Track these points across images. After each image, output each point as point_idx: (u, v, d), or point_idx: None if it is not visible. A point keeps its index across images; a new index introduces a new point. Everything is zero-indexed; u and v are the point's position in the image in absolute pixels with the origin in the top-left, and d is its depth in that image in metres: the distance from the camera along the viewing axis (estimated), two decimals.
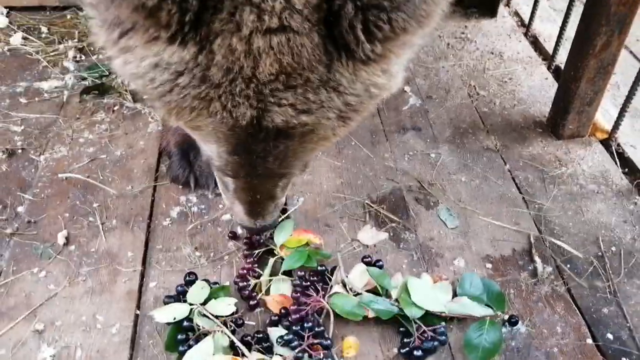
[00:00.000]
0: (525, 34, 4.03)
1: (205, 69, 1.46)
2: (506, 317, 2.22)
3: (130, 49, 1.50)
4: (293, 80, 1.50)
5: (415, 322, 2.15)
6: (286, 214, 2.56)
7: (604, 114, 3.19)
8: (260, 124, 1.56)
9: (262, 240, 2.41)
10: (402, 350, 2.10)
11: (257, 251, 2.38)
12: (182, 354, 2.00)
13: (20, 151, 2.87)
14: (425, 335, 2.11)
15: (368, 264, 2.34)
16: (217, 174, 2.05)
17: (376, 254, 2.46)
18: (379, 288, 2.24)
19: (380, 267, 2.34)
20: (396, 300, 2.22)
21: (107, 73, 3.41)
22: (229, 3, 1.38)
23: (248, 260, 2.33)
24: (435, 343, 2.09)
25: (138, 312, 2.21)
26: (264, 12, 1.38)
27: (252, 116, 1.54)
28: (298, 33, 1.43)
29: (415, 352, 2.08)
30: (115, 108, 3.17)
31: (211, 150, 1.78)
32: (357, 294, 2.22)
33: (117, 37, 1.51)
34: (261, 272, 2.30)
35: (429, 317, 2.18)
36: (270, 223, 2.13)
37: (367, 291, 2.25)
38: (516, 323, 2.20)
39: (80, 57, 3.58)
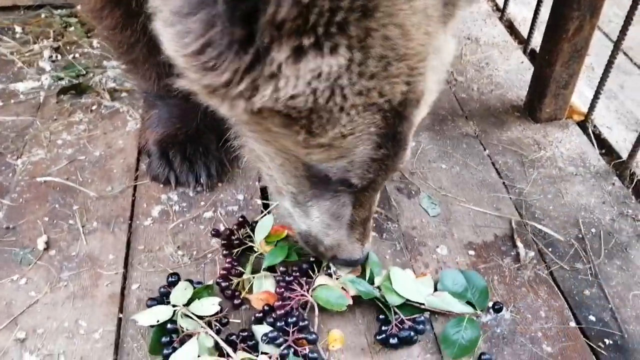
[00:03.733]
0: (501, 19, 4.03)
1: (361, 64, 1.53)
2: (490, 304, 2.24)
3: (275, 74, 1.50)
4: (428, 48, 1.62)
5: (396, 313, 2.16)
6: (268, 210, 2.56)
7: (580, 96, 3.22)
8: (407, 99, 1.66)
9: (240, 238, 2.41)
10: (378, 337, 2.12)
11: (236, 250, 2.37)
12: (167, 357, 1.99)
13: None
14: (404, 324, 2.12)
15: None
16: (329, 202, 1.99)
17: None
18: (366, 273, 2.27)
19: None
20: (378, 287, 2.23)
21: (84, 72, 3.38)
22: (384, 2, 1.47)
23: (228, 260, 2.32)
24: (412, 333, 2.10)
25: (121, 315, 2.19)
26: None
27: (404, 92, 1.63)
28: (432, 6, 1.60)
29: (391, 340, 2.09)
30: (94, 107, 3.14)
31: (354, 157, 1.75)
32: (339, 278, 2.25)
33: (250, 61, 1.48)
34: (243, 270, 2.29)
35: (409, 308, 2.20)
36: (369, 248, 2.21)
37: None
38: (500, 310, 2.22)
39: (57, 56, 3.55)
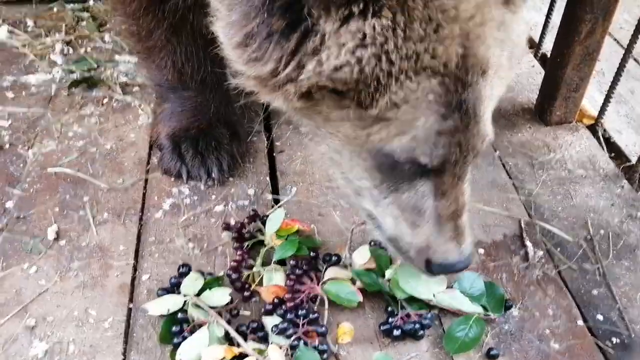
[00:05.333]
0: None
1: (405, 27, 1.49)
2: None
3: (317, 48, 1.51)
4: (485, 15, 1.56)
5: (403, 307, 2.17)
6: (279, 204, 2.57)
7: (590, 100, 3.22)
8: (466, 63, 1.57)
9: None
10: (383, 327, 2.13)
11: (247, 243, 2.38)
12: (177, 346, 2.00)
13: (7, 146, 2.85)
14: (410, 318, 2.13)
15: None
16: (406, 195, 1.81)
17: None
18: (377, 267, 2.27)
19: None
20: (388, 280, 2.24)
21: (96, 66, 3.40)
22: None
23: (239, 253, 2.32)
24: (417, 326, 2.10)
25: (131, 305, 2.20)
26: None
27: (460, 54, 1.55)
28: None
29: (394, 332, 2.10)
30: (105, 101, 3.16)
31: (416, 132, 1.63)
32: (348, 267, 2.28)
33: (295, 45, 1.51)
34: (253, 262, 2.30)
35: (419, 304, 2.20)
36: (471, 249, 1.92)
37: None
38: (510, 307, 2.22)
39: (68, 50, 3.56)
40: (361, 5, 1.45)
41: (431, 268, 1.90)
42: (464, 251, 1.87)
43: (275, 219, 2.39)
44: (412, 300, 2.20)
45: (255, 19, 1.50)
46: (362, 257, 2.30)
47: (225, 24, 1.60)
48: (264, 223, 2.42)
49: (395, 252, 2.01)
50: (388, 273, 2.26)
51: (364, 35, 1.49)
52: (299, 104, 1.64)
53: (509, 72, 1.74)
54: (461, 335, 2.11)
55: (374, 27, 1.48)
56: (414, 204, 1.81)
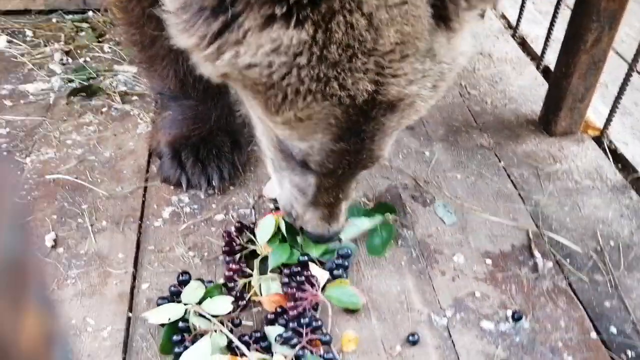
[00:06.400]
0: (513, 36, 4.03)
1: (323, 47, 1.47)
2: (509, 312, 2.18)
3: (239, 41, 1.51)
4: (407, 49, 1.54)
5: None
6: (272, 210, 2.54)
7: (594, 112, 3.19)
8: (374, 100, 1.58)
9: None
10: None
11: (238, 255, 2.31)
12: (178, 355, 1.93)
13: (5, 154, 2.79)
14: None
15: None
16: (297, 177, 2.02)
17: None
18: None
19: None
20: (301, 245, 2.31)
21: (95, 75, 3.35)
22: None
23: (230, 266, 2.23)
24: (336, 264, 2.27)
25: (130, 314, 2.13)
26: None
27: (370, 91, 1.55)
28: (415, 4, 1.50)
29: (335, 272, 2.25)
30: (104, 110, 3.11)
31: (313, 143, 1.73)
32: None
33: (219, 28, 1.51)
34: (250, 270, 2.24)
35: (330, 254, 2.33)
36: (341, 229, 2.18)
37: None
38: (520, 318, 2.16)
39: (67, 59, 3.51)
40: (284, 9, 1.42)
41: (305, 234, 2.21)
42: (331, 229, 2.11)
43: (266, 228, 2.32)
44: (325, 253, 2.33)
45: None
46: (266, 232, 2.32)
47: None
48: (253, 233, 2.36)
49: (281, 208, 2.25)
50: (299, 239, 2.32)
51: (281, 43, 1.48)
52: (219, 79, 1.70)
53: (431, 100, 1.74)
54: (378, 240, 2.40)
55: (292, 38, 1.46)
56: (302, 187, 2.03)
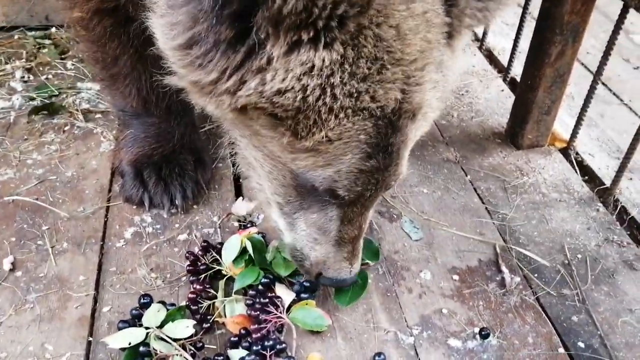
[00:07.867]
0: (480, 48, 4.04)
1: (352, 63, 1.49)
2: (477, 329, 2.16)
3: (263, 68, 1.47)
4: (427, 58, 1.60)
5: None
6: (241, 227, 2.50)
7: (561, 124, 3.19)
8: (401, 108, 1.61)
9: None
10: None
11: (203, 275, 2.27)
12: None
13: None
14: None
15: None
16: (315, 215, 1.93)
17: None
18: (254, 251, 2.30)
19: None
20: (270, 262, 2.28)
21: (57, 93, 3.29)
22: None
23: (194, 287, 2.20)
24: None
25: (91, 339, 2.08)
26: (412, 1, 1.51)
27: (398, 99, 1.59)
28: (436, 11, 1.58)
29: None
30: (66, 128, 3.05)
31: (340, 167, 1.70)
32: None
33: (243, 58, 1.47)
34: (214, 292, 2.20)
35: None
36: (358, 269, 2.11)
37: None
38: (488, 335, 2.14)
39: (29, 77, 3.45)
40: (311, 33, 1.41)
41: (320, 279, 2.08)
42: (352, 270, 2.05)
43: (231, 248, 2.29)
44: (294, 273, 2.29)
45: (202, 23, 1.43)
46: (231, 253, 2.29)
47: (166, 22, 1.53)
48: (219, 253, 2.32)
49: (291, 258, 2.15)
50: (269, 255, 2.30)
51: (313, 66, 1.46)
52: (231, 115, 1.63)
53: (436, 111, 1.79)
54: (348, 289, 2.22)
55: (323, 59, 1.46)
56: (321, 224, 1.94)
